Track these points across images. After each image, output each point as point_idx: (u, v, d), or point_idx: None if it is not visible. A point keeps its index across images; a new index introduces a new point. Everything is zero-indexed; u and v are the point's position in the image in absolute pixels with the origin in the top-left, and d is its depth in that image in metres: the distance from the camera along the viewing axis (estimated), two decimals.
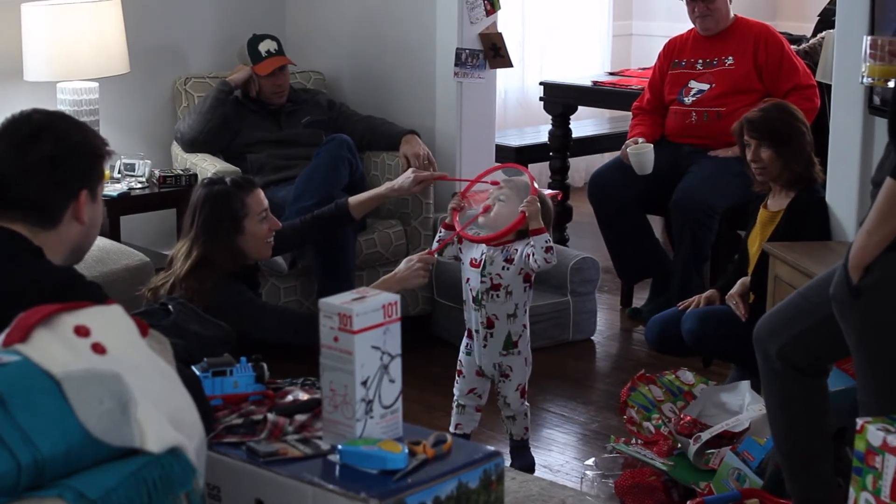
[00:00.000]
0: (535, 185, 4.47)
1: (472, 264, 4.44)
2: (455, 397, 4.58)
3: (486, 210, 4.46)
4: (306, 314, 4.47)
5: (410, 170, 5.27)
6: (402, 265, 4.47)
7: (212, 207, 4.29)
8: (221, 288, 4.21)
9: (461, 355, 4.57)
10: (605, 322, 6.23)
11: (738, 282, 4.90)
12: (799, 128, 4.86)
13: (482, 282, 4.41)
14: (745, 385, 4.53)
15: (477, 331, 4.47)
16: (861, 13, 4.57)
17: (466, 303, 4.52)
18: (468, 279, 4.47)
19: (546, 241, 4.32)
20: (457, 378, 4.58)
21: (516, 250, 4.38)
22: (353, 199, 4.99)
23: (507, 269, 4.39)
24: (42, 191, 2.62)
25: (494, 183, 4.61)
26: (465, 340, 4.56)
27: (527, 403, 4.56)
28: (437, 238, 4.56)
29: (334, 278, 5.34)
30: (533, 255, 4.31)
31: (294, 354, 5.08)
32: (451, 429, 4.56)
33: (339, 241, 5.38)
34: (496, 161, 6.51)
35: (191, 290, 4.14)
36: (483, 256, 4.42)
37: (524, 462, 4.59)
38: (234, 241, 4.28)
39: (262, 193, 4.40)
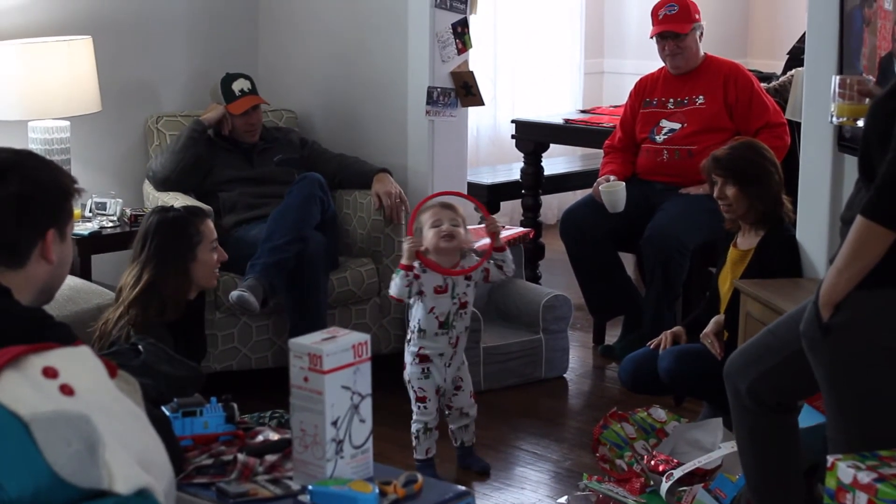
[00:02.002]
0: (481, 206, 4.90)
1: (437, 291, 4.65)
2: (424, 424, 4.72)
3: (451, 238, 4.65)
4: (184, 377, 4.41)
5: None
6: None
7: (166, 233, 4.32)
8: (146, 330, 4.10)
9: (418, 382, 4.72)
10: (577, 359, 6.23)
11: (712, 320, 4.91)
12: (766, 167, 4.87)
13: (452, 303, 4.64)
14: (718, 422, 4.53)
15: (442, 354, 4.68)
16: (829, 52, 4.60)
17: (426, 332, 4.67)
18: (432, 308, 4.64)
19: (509, 253, 4.76)
20: (421, 406, 4.72)
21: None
22: None
23: (469, 286, 4.71)
24: (8, 230, 2.59)
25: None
26: (414, 369, 4.71)
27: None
28: (403, 284, 4.61)
29: (306, 317, 5.34)
30: (500, 268, 4.72)
31: (262, 392, 5.07)
32: (423, 456, 4.72)
33: (311, 280, 5.38)
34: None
35: (135, 317, 4.13)
36: (447, 281, 4.64)
37: (481, 465, 4.85)
38: (187, 267, 4.31)
39: (212, 223, 4.46)
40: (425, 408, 4.71)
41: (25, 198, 2.60)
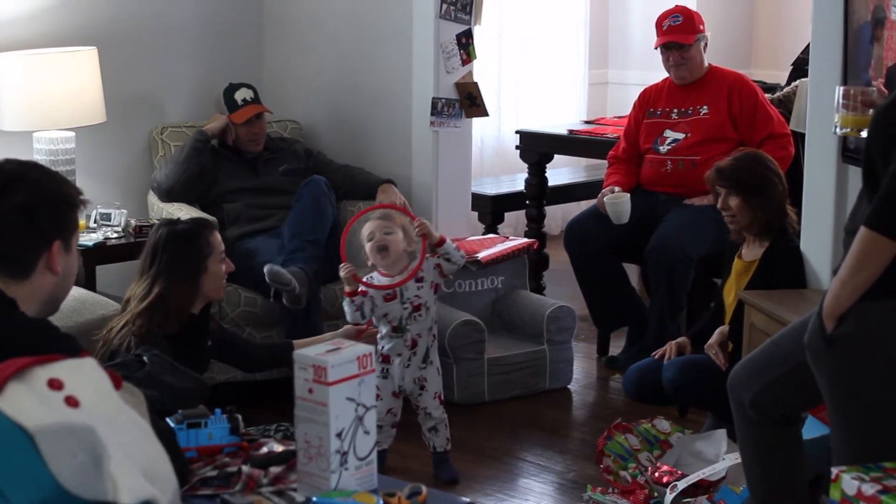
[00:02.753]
0: (400, 205, 4.99)
1: (386, 299, 4.77)
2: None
3: (385, 250, 4.74)
4: (189, 388, 4.43)
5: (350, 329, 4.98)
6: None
7: (177, 245, 4.33)
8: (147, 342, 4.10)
9: (377, 380, 4.75)
10: (581, 370, 6.23)
11: (717, 331, 4.91)
12: (769, 177, 4.87)
13: (404, 308, 4.73)
14: (722, 434, 4.53)
15: (399, 354, 4.79)
16: (833, 63, 4.61)
17: (383, 335, 4.80)
18: (385, 314, 4.77)
19: (453, 244, 4.78)
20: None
21: (423, 269, 4.73)
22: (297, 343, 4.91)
23: (422, 287, 4.77)
24: (14, 241, 2.59)
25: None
26: (380, 367, 4.80)
27: (445, 413, 4.87)
28: (353, 310, 4.75)
29: (300, 324, 5.34)
30: (449, 260, 4.72)
31: (267, 403, 5.08)
32: None
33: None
34: (472, 209, 6.55)
35: (138, 328, 4.15)
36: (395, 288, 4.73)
37: (448, 474, 4.87)
38: (197, 279, 4.31)
39: (219, 235, 4.48)
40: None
41: (31, 209, 2.60)
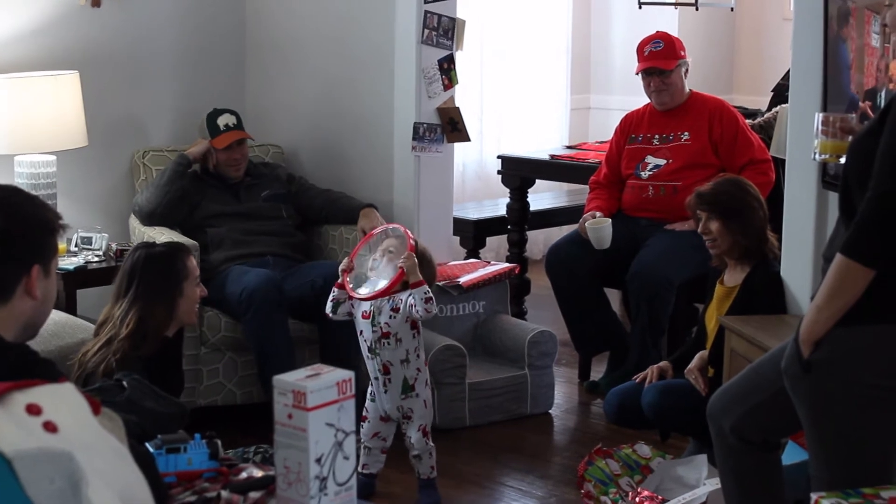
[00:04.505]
0: (412, 242, 4.74)
1: (363, 317, 4.78)
2: (362, 441, 4.85)
3: (391, 252, 4.76)
4: (169, 413, 4.45)
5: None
6: None
7: (154, 268, 4.35)
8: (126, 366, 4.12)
9: (367, 402, 4.89)
10: (562, 395, 6.23)
11: (697, 356, 4.92)
12: (749, 202, 4.89)
13: (373, 331, 4.73)
14: (702, 459, 4.53)
15: (376, 378, 4.80)
16: (813, 89, 4.63)
17: (364, 354, 4.83)
18: (361, 331, 4.80)
19: (425, 293, 4.66)
20: (362, 423, 4.87)
21: (401, 300, 4.69)
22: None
23: (394, 317, 4.73)
24: None
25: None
26: (370, 389, 4.87)
27: (431, 443, 4.86)
28: (330, 298, 4.83)
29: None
30: (414, 305, 4.65)
31: (247, 427, 5.07)
32: (360, 469, 4.81)
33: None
34: (454, 234, 6.55)
35: (116, 350, 4.16)
36: (371, 307, 4.74)
37: (431, 500, 4.88)
38: (174, 302, 4.33)
39: (194, 259, 4.50)
40: (363, 426, 4.87)
41: (10, 233, 2.59)
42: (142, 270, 4.34)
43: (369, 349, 4.77)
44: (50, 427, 2.02)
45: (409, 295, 4.67)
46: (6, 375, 2.12)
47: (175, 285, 4.33)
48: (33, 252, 2.63)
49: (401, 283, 4.69)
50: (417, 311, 4.65)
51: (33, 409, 2.03)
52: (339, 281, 4.79)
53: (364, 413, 4.88)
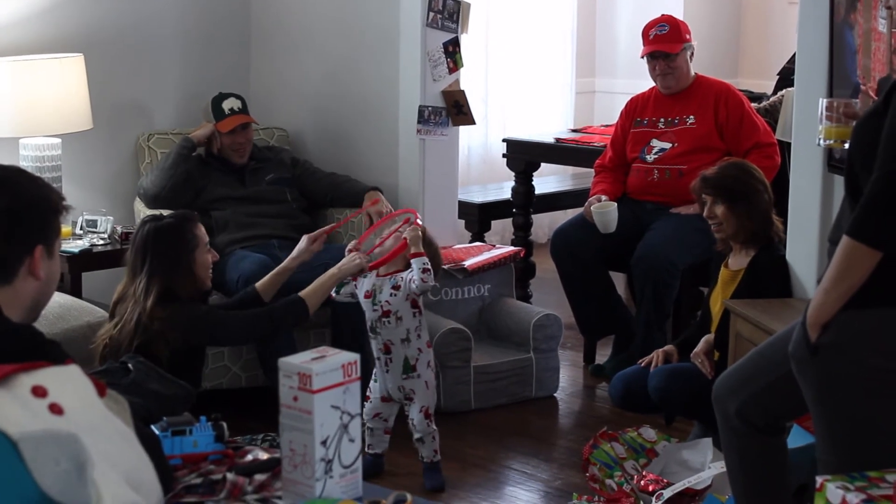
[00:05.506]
0: (419, 222, 4.80)
1: (365, 296, 4.80)
2: (364, 421, 4.85)
3: (381, 244, 4.86)
4: (264, 311, 4.64)
5: (304, 238, 5.03)
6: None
7: (167, 239, 4.38)
8: (186, 307, 4.35)
9: (371, 383, 4.90)
10: (567, 379, 6.23)
11: (702, 340, 4.91)
12: (755, 186, 4.88)
13: (374, 310, 4.76)
14: (708, 442, 4.53)
15: (378, 357, 4.82)
16: (819, 73, 4.62)
17: (368, 333, 4.87)
18: (365, 311, 4.82)
19: (424, 263, 4.67)
20: (364, 403, 4.86)
21: (402, 278, 4.72)
22: (258, 285, 4.85)
23: (395, 295, 4.75)
24: None
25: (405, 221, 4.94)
26: (374, 369, 4.88)
27: (433, 427, 4.87)
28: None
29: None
30: (413, 276, 4.66)
31: (253, 410, 5.08)
32: (365, 449, 4.83)
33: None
34: (459, 217, 6.54)
35: (160, 319, 4.24)
36: (374, 286, 4.77)
37: (434, 483, 4.89)
38: (192, 268, 4.39)
39: (202, 226, 4.54)
40: (365, 406, 4.87)
41: (13, 213, 2.58)
42: (153, 244, 4.36)
43: (370, 328, 4.80)
44: (56, 409, 2.02)
45: (410, 272, 4.70)
46: (14, 356, 2.12)
47: (188, 254, 4.38)
48: (37, 232, 2.62)
49: (403, 263, 4.73)
50: (414, 282, 4.66)
51: (39, 391, 2.04)
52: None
53: (367, 393, 4.90)
